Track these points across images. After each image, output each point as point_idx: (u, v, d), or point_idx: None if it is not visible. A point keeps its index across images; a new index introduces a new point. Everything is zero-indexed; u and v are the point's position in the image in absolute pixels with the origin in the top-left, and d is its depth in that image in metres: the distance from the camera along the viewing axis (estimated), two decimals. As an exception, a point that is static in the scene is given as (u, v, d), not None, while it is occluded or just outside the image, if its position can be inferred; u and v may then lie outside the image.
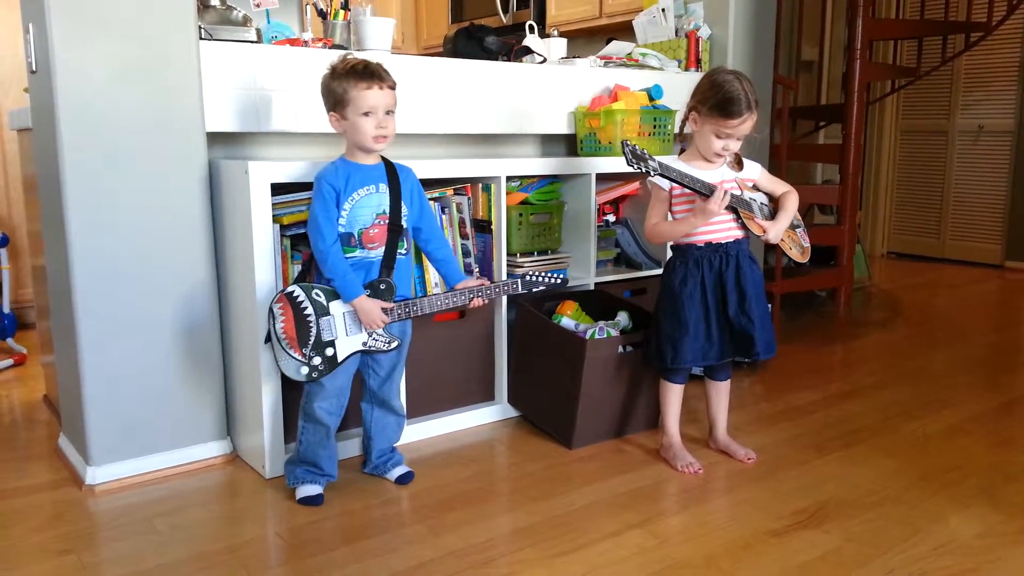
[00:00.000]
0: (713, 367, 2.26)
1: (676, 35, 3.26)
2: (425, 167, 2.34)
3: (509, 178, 2.50)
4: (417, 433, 2.40)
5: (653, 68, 3.06)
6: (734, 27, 3.21)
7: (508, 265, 2.50)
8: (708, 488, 2.09)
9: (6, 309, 3.47)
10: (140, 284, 2.08)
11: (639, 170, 2.00)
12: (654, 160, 2.02)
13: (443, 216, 2.37)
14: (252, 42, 2.31)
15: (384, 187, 1.97)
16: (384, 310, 1.95)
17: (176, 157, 2.09)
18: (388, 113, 1.91)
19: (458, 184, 2.46)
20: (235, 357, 2.21)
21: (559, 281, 2.14)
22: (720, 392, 2.30)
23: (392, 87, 1.92)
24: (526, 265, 2.54)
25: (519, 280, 2.11)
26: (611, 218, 2.88)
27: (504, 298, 2.50)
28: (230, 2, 2.44)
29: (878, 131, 5.89)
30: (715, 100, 2.02)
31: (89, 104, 1.96)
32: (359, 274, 1.95)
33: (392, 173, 1.99)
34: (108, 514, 1.96)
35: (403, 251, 2.01)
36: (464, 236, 2.44)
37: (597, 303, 2.58)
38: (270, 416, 2.10)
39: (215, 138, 2.22)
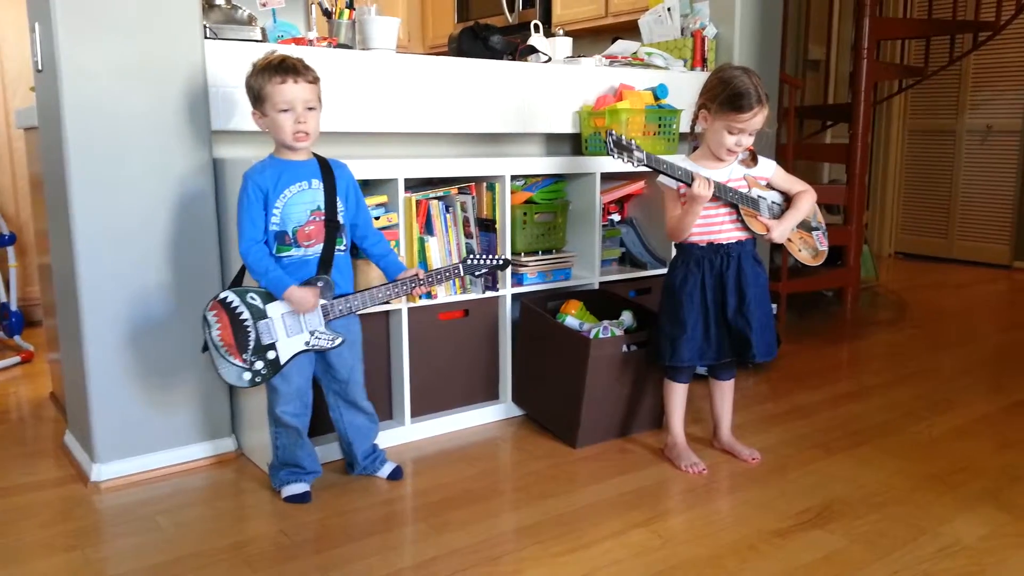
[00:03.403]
0: (717, 367, 2.25)
1: (682, 34, 3.26)
2: (429, 166, 2.35)
3: (513, 177, 2.50)
4: (421, 432, 2.41)
5: (659, 67, 3.06)
6: (740, 26, 3.20)
7: (512, 265, 2.50)
8: (712, 488, 2.09)
9: (13, 307, 3.49)
10: (145, 282, 2.09)
11: (623, 160, 2.00)
12: (640, 151, 2.02)
13: (447, 215, 2.37)
14: (257, 41, 2.32)
15: (318, 183, 1.93)
16: (324, 307, 1.93)
17: (181, 156, 2.10)
18: (309, 109, 1.87)
19: (462, 183, 2.46)
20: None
21: (500, 263, 2.15)
22: (724, 392, 2.29)
23: (312, 81, 1.88)
24: (530, 265, 2.54)
25: (460, 264, 2.11)
26: (616, 217, 2.88)
27: (508, 298, 2.50)
28: (235, 1, 2.44)
29: (885, 131, 5.87)
30: (725, 95, 2.01)
31: (94, 103, 1.97)
32: (298, 273, 1.92)
33: (327, 169, 1.96)
34: (113, 511, 1.97)
35: (341, 248, 1.98)
36: (468, 235, 2.44)
37: (601, 302, 2.58)
38: (274, 414, 2.10)
39: (219, 136, 2.23)
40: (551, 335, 2.40)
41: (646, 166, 2.04)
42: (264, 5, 2.43)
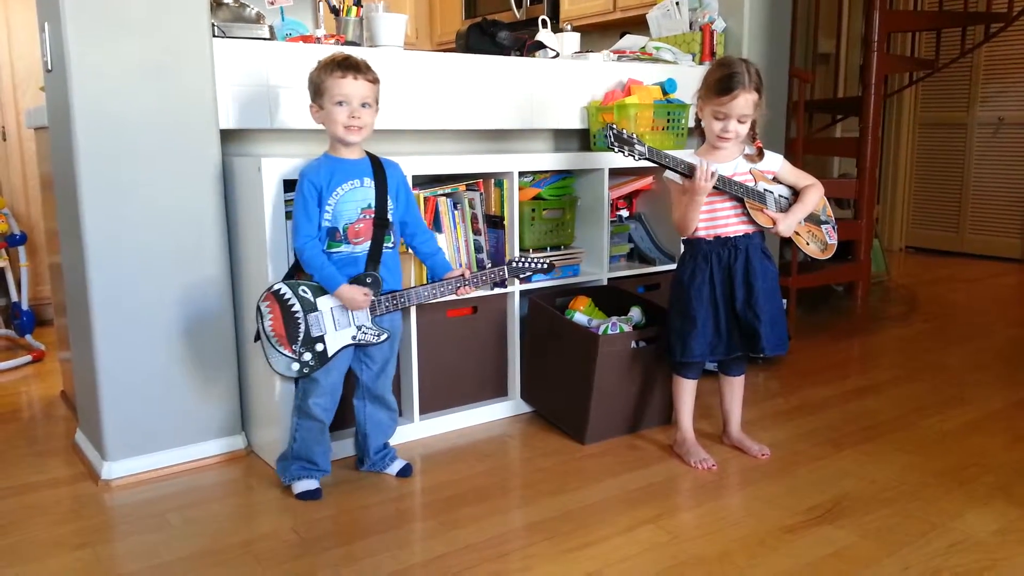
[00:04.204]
0: (727, 362, 2.25)
1: (690, 28, 3.24)
2: (437, 163, 2.35)
3: (522, 173, 2.50)
4: (430, 428, 2.41)
5: (667, 62, 3.04)
6: (749, 20, 3.18)
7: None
8: (722, 484, 2.09)
9: (25, 306, 3.51)
10: (155, 281, 2.10)
11: (624, 154, 2.01)
12: (642, 144, 2.02)
13: (455, 212, 2.37)
14: (265, 39, 2.32)
15: (369, 181, 1.97)
16: (372, 302, 1.96)
17: (190, 154, 2.11)
18: (364, 106, 1.92)
19: (470, 179, 2.46)
20: (249, 352, 2.22)
21: (545, 266, 2.16)
22: (734, 387, 2.29)
23: (371, 81, 1.93)
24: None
25: (506, 267, 2.12)
26: (624, 213, 2.87)
27: (516, 294, 2.49)
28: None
29: (896, 124, 5.83)
30: (710, 80, 2.04)
31: (104, 102, 1.98)
32: (346, 269, 1.95)
33: (378, 167, 2.00)
34: (123, 509, 1.98)
35: (389, 245, 2.01)
36: (476, 232, 2.43)
37: (610, 298, 2.57)
38: (284, 411, 2.11)
39: (228, 135, 2.23)
40: (560, 332, 2.40)
41: (647, 159, 2.04)
42: (272, 3, 2.43)
